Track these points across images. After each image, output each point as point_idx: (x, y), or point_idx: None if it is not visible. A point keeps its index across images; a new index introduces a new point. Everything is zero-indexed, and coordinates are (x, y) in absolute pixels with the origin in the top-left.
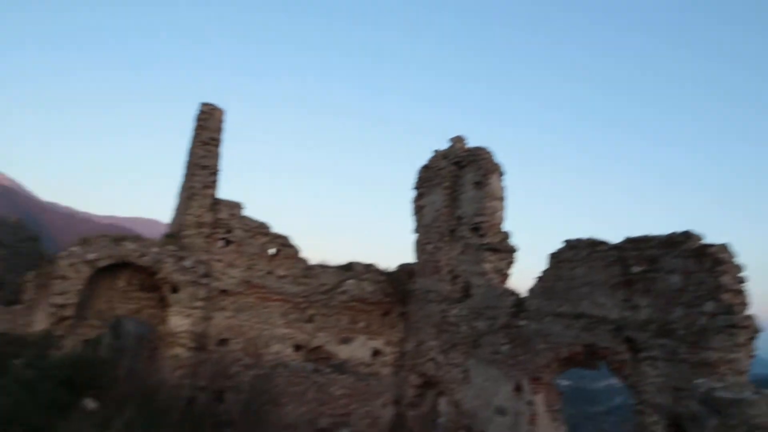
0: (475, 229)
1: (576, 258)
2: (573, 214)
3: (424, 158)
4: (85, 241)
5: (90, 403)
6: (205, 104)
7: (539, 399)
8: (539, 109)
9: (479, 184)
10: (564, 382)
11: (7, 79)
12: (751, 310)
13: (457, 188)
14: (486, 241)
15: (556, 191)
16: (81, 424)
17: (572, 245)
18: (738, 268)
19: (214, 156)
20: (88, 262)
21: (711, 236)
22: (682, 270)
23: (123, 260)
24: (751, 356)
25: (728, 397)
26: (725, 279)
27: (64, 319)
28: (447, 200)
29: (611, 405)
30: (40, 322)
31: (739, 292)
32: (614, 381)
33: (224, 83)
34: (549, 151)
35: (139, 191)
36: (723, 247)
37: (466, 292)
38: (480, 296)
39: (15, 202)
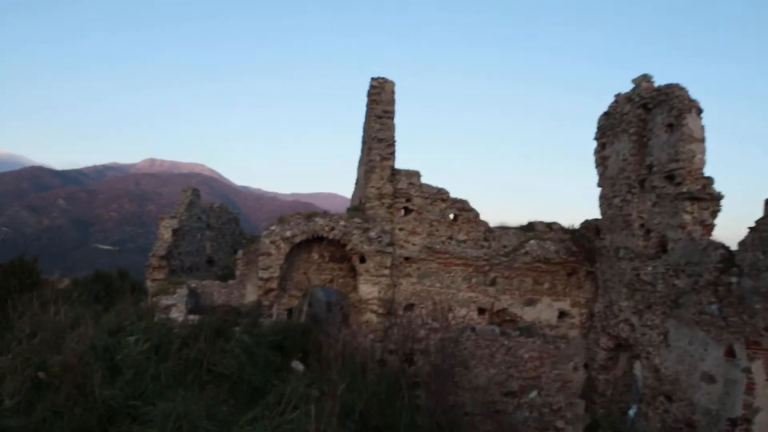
0: (670, 177)
1: None
2: None
3: (605, 105)
4: (281, 221)
5: (298, 365)
6: (375, 78)
7: (758, 366)
8: (735, 39)
9: (672, 127)
10: None
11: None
12: None
13: (646, 134)
14: (684, 189)
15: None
16: (293, 384)
17: None
18: None
19: (389, 128)
20: (286, 239)
21: None
22: None
23: (315, 235)
24: None
25: None
26: None
27: (270, 291)
28: (634, 148)
29: None
30: (250, 294)
31: None
32: None
33: (395, 53)
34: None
35: (317, 169)
36: None
37: (662, 248)
38: (679, 251)
39: (215, 188)
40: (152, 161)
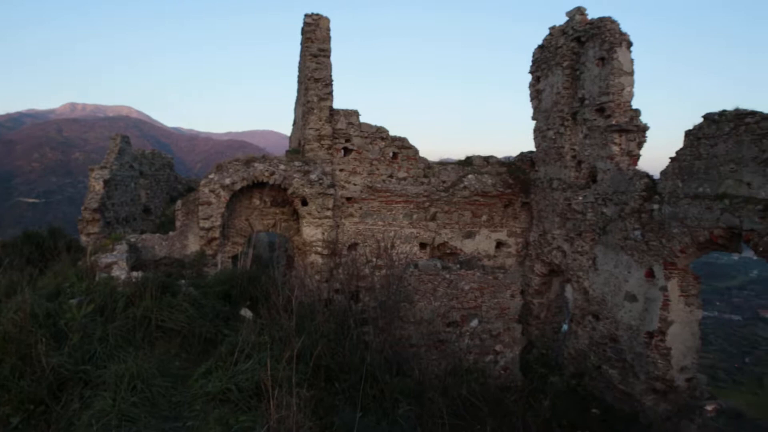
0: (601, 110)
1: (718, 134)
2: (714, 86)
3: (539, 38)
4: (220, 168)
5: (247, 313)
6: (309, 15)
7: (673, 284)
8: None
9: (604, 60)
10: None
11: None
12: None
13: (579, 67)
14: (613, 121)
15: (692, 59)
16: (245, 332)
17: (714, 120)
18: None
19: (326, 67)
20: (226, 187)
21: None
22: None
23: (255, 181)
24: None
25: None
26: None
27: (212, 240)
28: (567, 81)
29: (745, 279)
30: (193, 244)
31: None
32: (750, 253)
33: None
34: (683, 12)
35: (251, 106)
36: None
37: (592, 178)
38: (607, 181)
39: (145, 132)
40: (73, 106)
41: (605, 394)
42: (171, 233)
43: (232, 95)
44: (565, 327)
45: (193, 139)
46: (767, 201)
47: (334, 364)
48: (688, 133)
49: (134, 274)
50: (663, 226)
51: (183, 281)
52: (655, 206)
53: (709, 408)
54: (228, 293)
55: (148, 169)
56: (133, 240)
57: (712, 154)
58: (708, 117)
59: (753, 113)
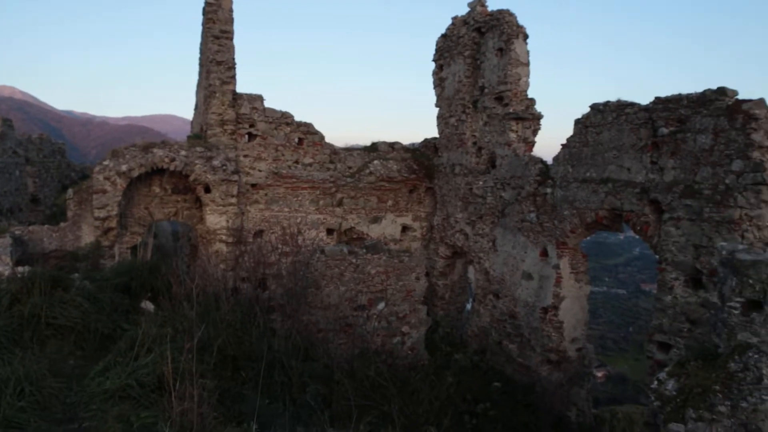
0: (499, 98)
1: (603, 122)
2: (601, 78)
3: (443, 27)
4: (115, 154)
5: (148, 305)
6: None
7: (564, 262)
8: None
9: (502, 51)
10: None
11: None
12: None
13: (479, 57)
14: (510, 109)
15: (584, 53)
16: (144, 326)
17: (599, 109)
18: None
19: (229, 50)
20: (123, 174)
21: (745, 93)
22: (712, 129)
23: (155, 167)
24: None
25: (748, 259)
26: (757, 136)
27: (109, 230)
28: (468, 70)
29: (629, 256)
30: (87, 236)
31: None
32: (633, 233)
33: None
34: (577, 7)
35: (152, 89)
36: (759, 103)
37: (492, 164)
38: (505, 166)
39: (31, 115)
40: None
41: (505, 367)
42: (63, 224)
43: (130, 76)
44: (468, 306)
45: (87, 123)
46: (643, 184)
47: (240, 353)
48: (577, 122)
49: (19, 269)
50: (555, 208)
51: (77, 275)
52: (549, 190)
53: (599, 374)
54: (127, 286)
55: (36, 155)
56: (18, 233)
57: (598, 142)
58: (594, 107)
59: (632, 104)
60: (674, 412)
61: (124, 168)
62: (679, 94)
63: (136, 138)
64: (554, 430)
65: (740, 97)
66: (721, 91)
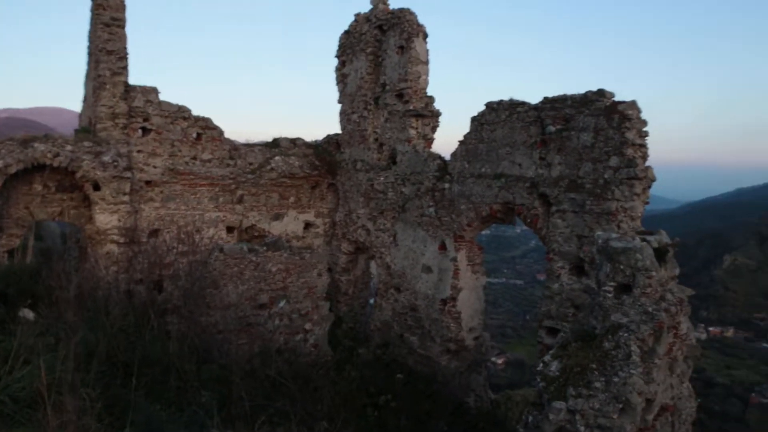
0: (400, 95)
1: (497, 120)
2: (498, 78)
3: (346, 23)
4: None
5: (27, 313)
6: None
7: (462, 255)
8: None
9: (403, 49)
10: (484, 232)
11: None
12: (648, 162)
13: (381, 54)
14: (410, 107)
15: (484, 53)
16: (22, 337)
17: (493, 108)
18: (643, 123)
19: (120, 38)
20: None
21: (623, 94)
22: (593, 128)
23: (36, 163)
24: (646, 203)
25: (620, 246)
26: (630, 134)
27: None
28: (370, 67)
29: (526, 248)
30: None
31: (641, 147)
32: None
33: None
34: (478, 9)
35: (37, 79)
36: (631, 104)
37: (393, 159)
38: (406, 162)
39: None
40: None
41: (408, 359)
42: None
43: (11, 64)
44: (371, 301)
45: None
46: (533, 179)
47: (132, 359)
48: (473, 119)
49: None
50: (453, 203)
51: None
52: (446, 185)
53: (499, 361)
54: (3, 293)
55: None
56: None
57: (492, 138)
58: (489, 105)
59: (523, 103)
60: (557, 390)
61: None
62: (565, 95)
63: (18, 131)
64: (453, 417)
65: (617, 99)
66: (600, 93)
